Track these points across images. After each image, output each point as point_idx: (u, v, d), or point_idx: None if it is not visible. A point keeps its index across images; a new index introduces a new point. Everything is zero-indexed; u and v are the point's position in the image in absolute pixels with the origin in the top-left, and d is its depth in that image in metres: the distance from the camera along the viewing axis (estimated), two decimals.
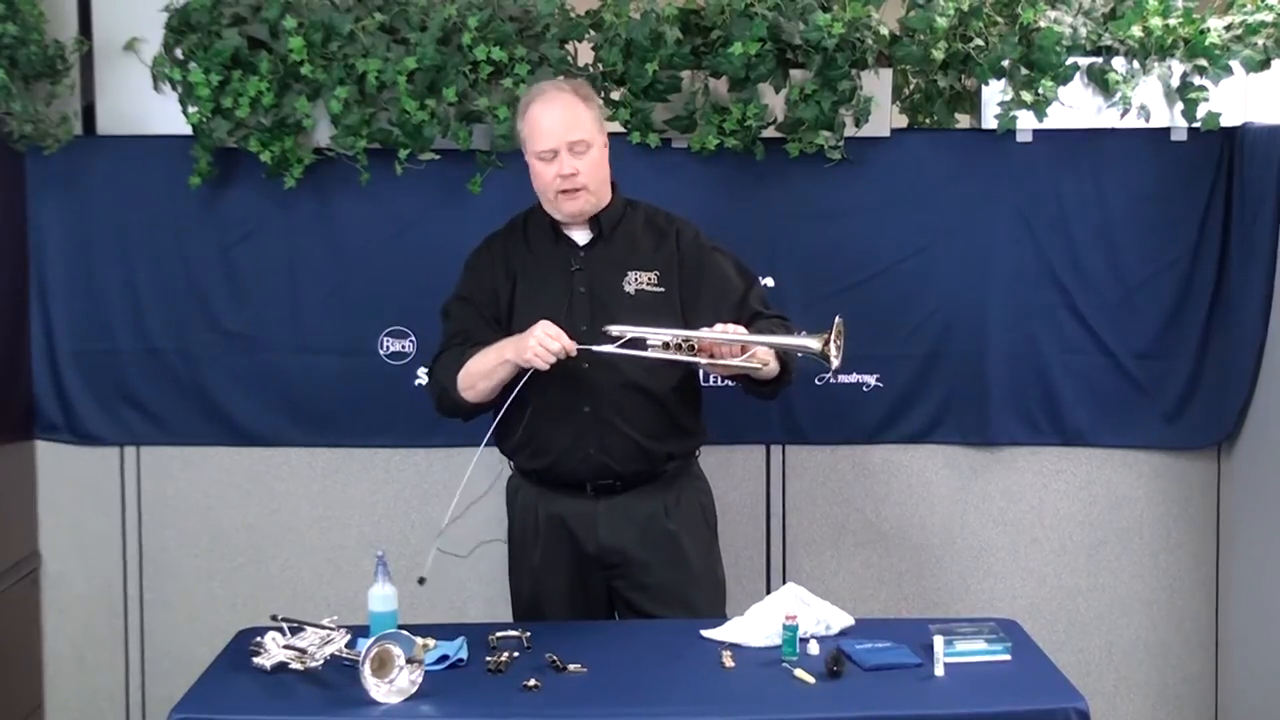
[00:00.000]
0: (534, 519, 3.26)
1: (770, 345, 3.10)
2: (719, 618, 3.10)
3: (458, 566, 3.93)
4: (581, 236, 3.25)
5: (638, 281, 3.22)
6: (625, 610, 3.29)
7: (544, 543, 3.24)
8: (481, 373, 3.15)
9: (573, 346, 3.03)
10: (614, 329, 3.07)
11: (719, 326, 3.07)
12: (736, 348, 3.05)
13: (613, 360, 3.12)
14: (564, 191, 3.17)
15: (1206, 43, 3.75)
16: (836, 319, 3.03)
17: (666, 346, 3.07)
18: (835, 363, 3.02)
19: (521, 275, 3.25)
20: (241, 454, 3.94)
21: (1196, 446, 3.93)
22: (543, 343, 3.01)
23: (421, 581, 3.09)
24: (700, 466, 3.38)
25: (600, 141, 3.21)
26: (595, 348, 3.06)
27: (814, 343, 3.04)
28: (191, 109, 3.69)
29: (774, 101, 3.75)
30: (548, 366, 3.03)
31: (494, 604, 3.85)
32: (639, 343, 3.07)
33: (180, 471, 3.94)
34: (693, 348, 3.07)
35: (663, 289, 3.22)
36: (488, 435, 3.18)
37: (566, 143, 3.14)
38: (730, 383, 3.36)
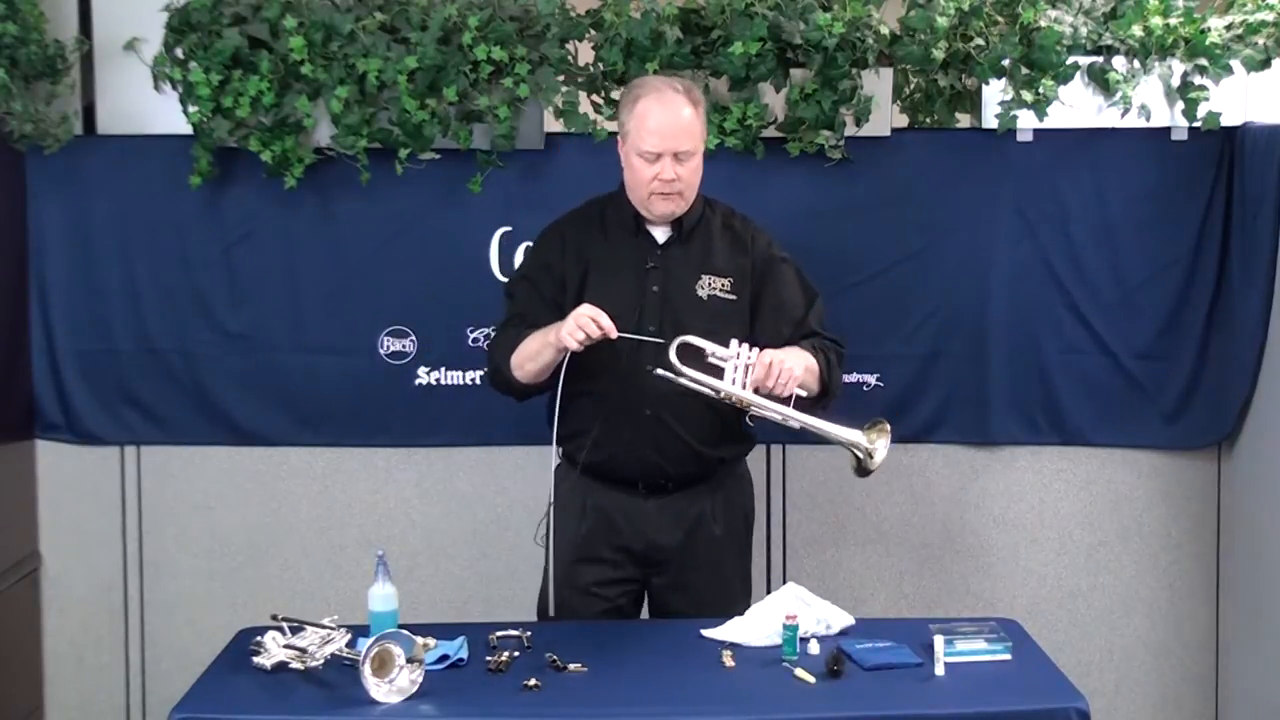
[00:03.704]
0: (579, 505, 3.26)
1: (814, 429, 3.12)
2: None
3: (459, 566, 3.95)
4: (661, 234, 3.24)
5: (711, 287, 3.22)
6: (657, 606, 3.30)
7: (590, 522, 3.25)
8: (529, 354, 3.16)
9: (611, 330, 3.02)
10: (659, 372, 3.07)
11: (765, 357, 3.06)
12: (780, 389, 3.06)
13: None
14: (660, 194, 3.16)
15: (1207, 42, 3.75)
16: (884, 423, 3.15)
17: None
18: (878, 455, 3.12)
19: (594, 264, 3.23)
20: (241, 454, 3.93)
21: (1196, 446, 3.93)
22: (579, 322, 3.01)
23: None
24: (746, 466, 3.39)
25: (702, 148, 3.20)
26: (638, 337, 3.07)
27: (857, 436, 3.12)
28: (192, 108, 3.68)
29: (774, 101, 3.75)
30: (580, 347, 3.02)
31: (494, 604, 3.86)
32: (694, 358, 3.07)
33: (180, 471, 3.94)
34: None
35: (734, 297, 3.22)
36: (552, 439, 3.17)
37: (673, 150, 3.12)
38: None
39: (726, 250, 3.26)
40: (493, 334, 3.36)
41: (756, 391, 3.07)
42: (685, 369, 3.06)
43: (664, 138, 3.12)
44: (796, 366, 3.09)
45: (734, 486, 3.33)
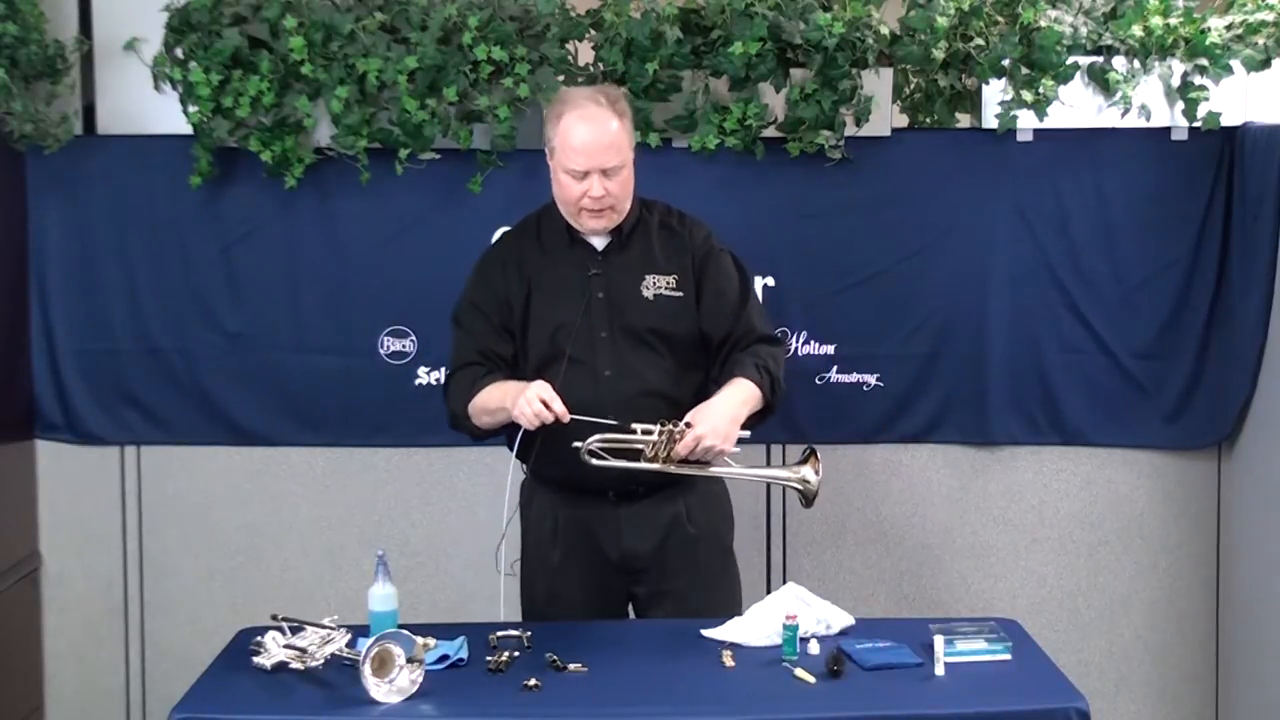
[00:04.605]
0: (552, 522, 3.23)
1: (745, 477, 3.21)
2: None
3: (459, 566, 3.95)
4: (599, 241, 3.21)
5: (656, 286, 3.19)
6: (644, 614, 3.28)
7: (563, 544, 3.22)
8: (485, 409, 3.13)
9: (565, 415, 2.99)
10: (588, 453, 3.05)
11: (694, 440, 3.02)
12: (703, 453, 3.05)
13: (635, 368, 3.12)
14: (590, 210, 3.12)
15: (1207, 42, 3.75)
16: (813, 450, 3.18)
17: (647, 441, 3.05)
18: (813, 480, 3.15)
19: (536, 280, 3.19)
20: (241, 454, 3.94)
21: (1196, 446, 3.93)
22: (533, 408, 2.98)
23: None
24: None
25: (631, 158, 3.15)
26: (591, 419, 3.03)
27: (786, 473, 3.19)
28: (192, 108, 3.69)
29: (774, 101, 3.75)
30: (532, 427, 3.01)
31: (494, 604, 3.85)
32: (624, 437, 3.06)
33: (180, 471, 3.94)
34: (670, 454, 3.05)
35: (681, 293, 3.19)
36: (517, 443, 3.14)
37: (601, 167, 3.08)
38: None
39: (666, 249, 3.22)
40: (446, 373, 3.30)
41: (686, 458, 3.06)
42: (605, 461, 3.04)
43: (590, 155, 3.06)
44: (718, 433, 3.03)
45: (705, 486, 3.28)
